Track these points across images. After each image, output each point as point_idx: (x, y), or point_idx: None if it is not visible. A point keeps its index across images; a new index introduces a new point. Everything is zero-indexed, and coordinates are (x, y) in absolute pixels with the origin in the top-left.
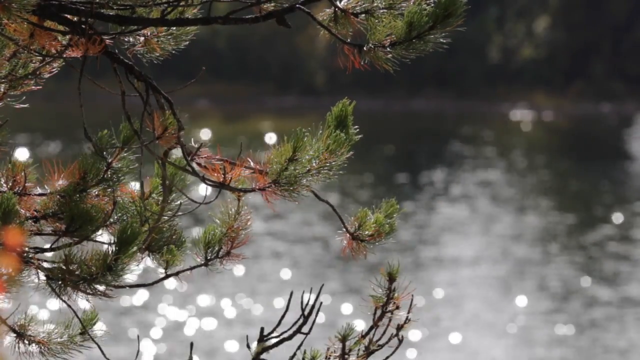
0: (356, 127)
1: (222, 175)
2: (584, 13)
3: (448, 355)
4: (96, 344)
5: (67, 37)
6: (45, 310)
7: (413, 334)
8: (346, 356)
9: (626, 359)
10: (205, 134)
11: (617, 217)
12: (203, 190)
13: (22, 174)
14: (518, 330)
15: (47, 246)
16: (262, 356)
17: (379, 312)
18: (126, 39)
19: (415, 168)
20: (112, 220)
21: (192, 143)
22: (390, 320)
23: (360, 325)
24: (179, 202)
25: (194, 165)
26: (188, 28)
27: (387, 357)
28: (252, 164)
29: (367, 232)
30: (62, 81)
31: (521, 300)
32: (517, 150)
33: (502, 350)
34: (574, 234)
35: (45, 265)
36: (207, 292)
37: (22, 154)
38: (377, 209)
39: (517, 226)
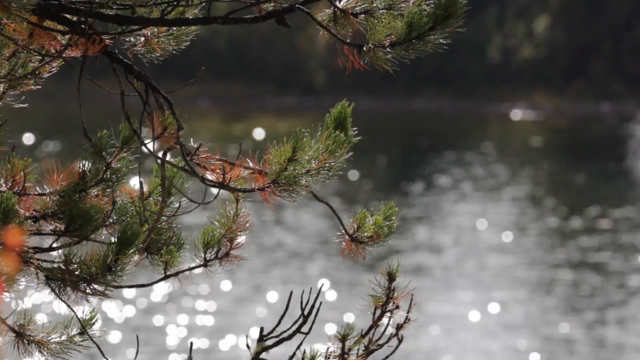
0: (355, 128)
1: (222, 176)
2: (584, 13)
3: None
4: (95, 344)
5: (67, 36)
6: (45, 310)
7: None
8: (346, 356)
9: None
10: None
11: (617, 217)
12: (202, 190)
13: (22, 173)
14: (511, 326)
15: (47, 246)
16: (262, 356)
17: (378, 312)
18: (127, 39)
19: (415, 168)
20: (111, 220)
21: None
22: (390, 320)
23: (360, 325)
24: (178, 203)
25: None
26: (189, 28)
27: (387, 357)
28: (251, 164)
29: (366, 234)
30: (61, 81)
31: (518, 298)
32: (516, 150)
33: (492, 344)
34: (573, 233)
35: (45, 265)
36: (207, 292)
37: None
38: (376, 211)
39: (515, 225)
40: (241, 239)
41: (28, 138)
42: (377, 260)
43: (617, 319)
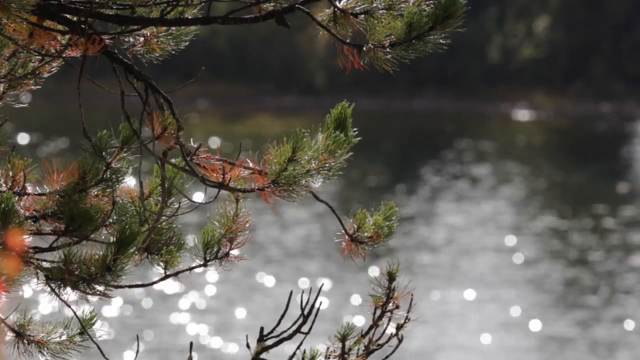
0: (355, 129)
1: (221, 176)
2: (584, 13)
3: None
4: (95, 344)
5: (67, 36)
6: (45, 310)
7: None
8: (346, 355)
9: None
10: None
11: (616, 216)
12: (203, 190)
13: (22, 173)
14: (507, 326)
15: (47, 246)
16: (262, 356)
17: (378, 312)
18: (126, 39)
19: (415, 167)
20: (111, 220)
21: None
22: (390, 320)
23: (360, 324)
24: (178, 203)
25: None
26: (188, 28)
27: (387, 357)
28: (250, 164)
29: (366, 234)
30: (61, 81)
31: (515, 298)
32: (516, 150)
33: (490, 343)
34: (571, 233)
35: (45, 265)
36: (207, 292)
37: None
38: (376, 211)
39: (515, 225)
40: (241, 238)
41: (28, 138)
42: (377, 259)
43: (614, 318)
